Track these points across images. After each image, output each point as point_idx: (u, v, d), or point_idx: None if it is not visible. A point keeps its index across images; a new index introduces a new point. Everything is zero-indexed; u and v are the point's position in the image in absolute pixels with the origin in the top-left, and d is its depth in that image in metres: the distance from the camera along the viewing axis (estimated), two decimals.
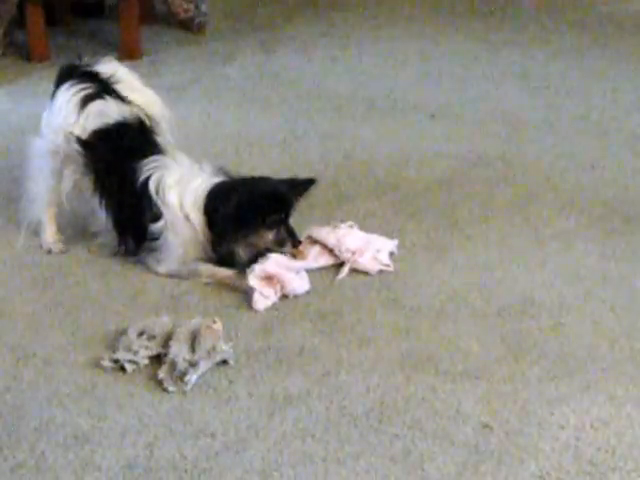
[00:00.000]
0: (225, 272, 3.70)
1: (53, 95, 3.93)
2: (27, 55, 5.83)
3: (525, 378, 3.17)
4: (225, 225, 3.65)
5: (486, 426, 2.97)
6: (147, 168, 3.73)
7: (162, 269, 3.74)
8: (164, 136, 3.91)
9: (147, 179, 3.71)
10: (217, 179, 3.71)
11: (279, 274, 3.57)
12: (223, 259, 3.72)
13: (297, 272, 3.64)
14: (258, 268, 3.58)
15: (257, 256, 3.68)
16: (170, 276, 3.73)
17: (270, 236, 3.70)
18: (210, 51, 6.01)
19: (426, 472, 2.81)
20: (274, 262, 3.61)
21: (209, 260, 3.74)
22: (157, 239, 3.72)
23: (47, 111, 3.94)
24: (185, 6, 6.25)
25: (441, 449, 2.89)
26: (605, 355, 3.29)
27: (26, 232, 3.96)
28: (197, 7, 6.25)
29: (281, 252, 3.70)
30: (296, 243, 3.71)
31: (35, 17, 5.73)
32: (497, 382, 3.15)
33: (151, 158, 3.75)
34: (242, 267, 3.67)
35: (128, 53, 5.76)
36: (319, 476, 2.80)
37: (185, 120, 4.93)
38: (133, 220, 3.77)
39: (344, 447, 2.90)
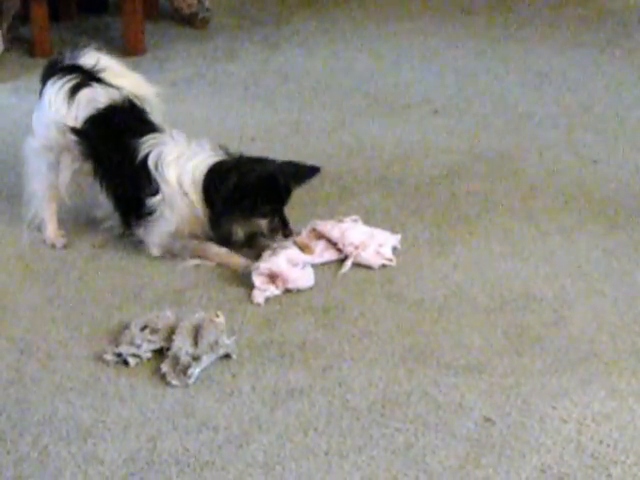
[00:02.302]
0: (216, 249, 3.73)
1: (40, 93, 3.95)
2: (31, 50, 5.84)
3: (527, 372, 3.18)
4: (221, 206, 3.67)
5: (488, 420, 2.98)
6: (145, 145, 3.75)
7: (155, 247, 3.78)
8: (156, 113, 3.93)
9: (146, 156, 3.73)
10: (217, 158, 3.72)
11: (283, 272, 3.57)
12: (221, 237, 3.76)
13: (302, 267, 3.65)
14: (263, 266, 3.58)
15: (254, 235, 3.72)
16: (162, 254, 3.77)
17: (263, 224, 3.72)
18: (213, 47, 6.01)
19: (428, 465, 2.81)
20: (281, 258, 3.61)
21: (206, 238, 3.77)
22: (153, 213, 3.75)
23: (36, 110, 3.97)
24: (188, 2, 6.26)
25: (443, 442, 2.89)
26: (607, 349, 3.29)
27: (30, 229, 3.97)
28: (200, 3, 6.26)
29: (276, 240, 3.72)
30: (288, 232, 3.71)
31: (39, 12, 5.74)
32: (499, 376, 3.16)
33: (149, 135, 3.77)
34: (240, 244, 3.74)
35: (132, 49, 5.77)
36: (321, 469, 2.81)
37: (188, 115, 4.95)
38: (134, 197, 3.79)
39: (346, 440, 2.90)
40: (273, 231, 3.73)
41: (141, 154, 3.73)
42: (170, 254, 3.78)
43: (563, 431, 2.93)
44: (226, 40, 6.11)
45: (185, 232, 3.76)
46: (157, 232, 3.76)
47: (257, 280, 3.57)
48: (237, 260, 3.72)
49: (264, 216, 3.71)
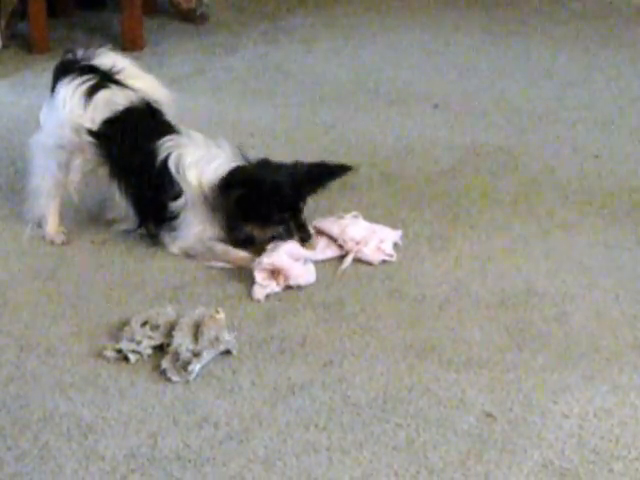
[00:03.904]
0: (239, 254, 3.71)
1: (53, 90, 3.91)
2: (29, 47, 5.82)
3: (528, 367, 3.17)
4: (237, 212, 3.68)
5: (489, 415, 2.97)
6: (164, 147, 3.74)
7: (176, 247, 3.76)
8: (171, 118, 3.91)
9: (166, 158, 3.72)
10: (235, 163, 3.71)
11: (286, 268, 3.56)
12: (240, 242, 3.75)
13: (304, 262, 3.64)
14: (265, 261, 3.57)
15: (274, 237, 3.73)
16: (184, 255, 3.75)
17: (279, 229, 3.72)
18: (212, 42, 6.00)
19: (429, 461, 2.81)
20: (283, 252, 3.60)
21: (225, 241, 3.76)
22: (176, 217, 3.74)
23: (47, 107, 3.93)
24: None
25: (444, 438, 2.89)
26: (609, 344, 3.29)
27: (30, 224, 3.96)
28: None
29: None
30: (306, 237, 3.72)
31: (37, 9, 5.72)
32: (500, 371, 3.15)
33: (167, 137, 3.75)
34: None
35: (130, 44, 5.75)
36: (322, 465, 2.80)
37: (188, 111, 4.93)
38: (154, 200, 3.78)
39: (347, 436, 2.90)
40: (289, 235, 3.71)
41: (161, 156, 3.72)
42: (191, 256, 3.76)
43: (565, 426, 2.93)
44: (225, 35, 6.10)
45: (207, 235, 3.74)
46: (181, 236, 3.75)
47: (258, 276, 3.56)
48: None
49: (279, 223, 3.71)
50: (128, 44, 5.75)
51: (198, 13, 6.26)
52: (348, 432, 2.91)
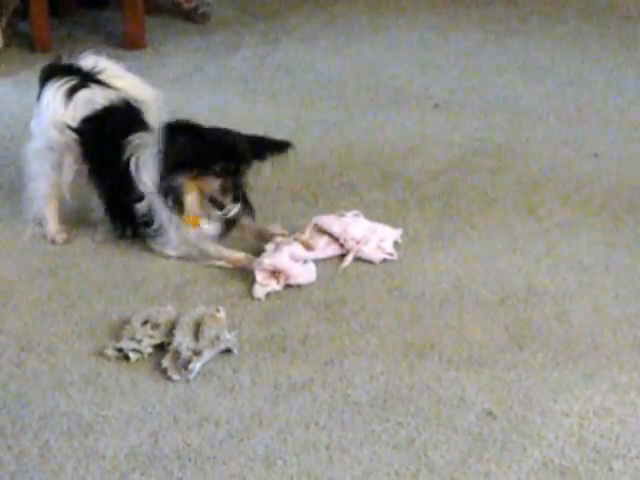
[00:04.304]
0: (235, 254, 3.70)
1: (38, 96, 3.93)
2: (31, 46, 5.82)
3: (529, 366, 3.17)
4: (172, 159, 3.56)
5: (490, 414, 2.97)
6: (129, 147, 3.70)
7: (171, 252, 3.74)
8: (153, 116, 3.86)
9: (129, 158, 3.69)
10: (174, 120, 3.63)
11: (286, 268, 3.56)
12: (172, 204, 3.64)
13: (304, 262, 3.64)
14: (266, 262, 3.57)
15: (211, 203, 3.65)
16: (181, 258, 3.73)
17: (216, 184, 3.61)
18: (214, 41, 6.00)
19: (430, 459, 2.81)
20: (284, 253, 3.60)
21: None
22: (149, 223, 3.72)
23: (35, 115, 3.95)
24: None
25: (445, 437, 2.89)
26: (609, 343, 3.29)
27: (31, 224, 3.96)
28: None
29: (224, 204, 3.63)
30: (237, 197, 3.61)
31: (39, 7, 5.73)
32: (501, 370, 3.16)
33: (134, 136, 3.71)
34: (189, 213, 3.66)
35: (132, 43, 5.76)
36: (323, 464, 2.80)
37: (189, 110, 4.94)
38: (120, 202, 3.76)
39: (348, 435, 2.90)
40: (224, 192, 3.60)
41: (125, 156, 3.69)
42: (188, 258, 3.74)
43: (565, 425, 2.93)
44: (226, 34, 6.10)
45: (191, 235, 3.71)
46: (167, 241, 3.74)
47: (259, 275, 3.56)
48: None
49: (217, 175, 3.60)
50: (130, 43, 5.76)
51: (199, 12, 6.27)
52: (349, 431, 2.92)
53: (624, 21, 6.27)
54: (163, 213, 3.70)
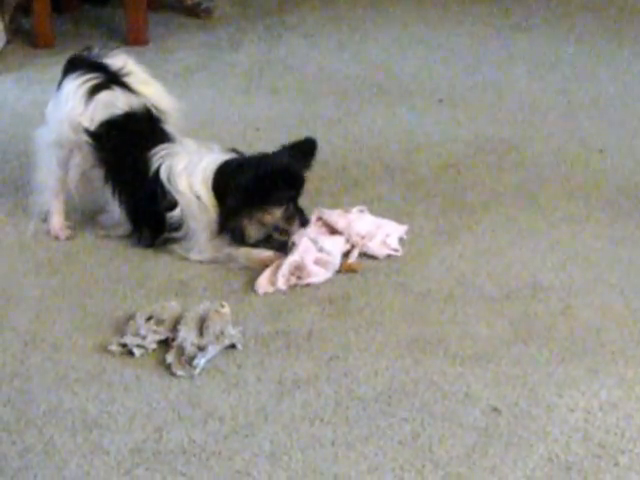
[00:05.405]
0: (263, 253, 3.68)
1: (59, 84, 3.90)
2: (33, 42, 5.81)
3: (534, 361, 3.17)
4: (233, 200, 3.62)
5: (495, 409, 2.97)
6: (157, 157, 3.71)
7: (196, 256, 3.72)
8: (173, 127, 3.87)
9: (158, 168, 3.69)
10: (226, 156, 3.69)
11: (309, 265, 3.54)
12: (233, 237, 3.69)
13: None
14: (291, 259, 3.54)
15: (267, 237, 3.68)
16: (206, 262, 3.70)
17: (279, 213, 3.66)
18: (217, 37, 5.99)
19: (435, 455, 2.80)
20: (307, 249, 3.59)
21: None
22: (178, 229, 3.72)
23: (53, 100, 3.92)
24: None
25: (450, 432, 2.88)
26: (614, 338, 3.28)
27: (35, 219, 3.96)
28: None
29: (290, 232, 3.66)
30: (305, 221, 3.68)
31: (41, 4, 5.71)
32: (506, 365, 3.15)
33: (160, 147, 3.72)
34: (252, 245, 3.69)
35: (135, 39, 5.75)
36: (328, 459, 2.80)
37: (192, 106, 4.93)
38: (148, 210, 3.75)
39: (353, 430, 2.89)
40: (289, 220, 3.67)
41: (154, 167, 3.70)
42: (212, 262, 3.73)
43: (570, 420, 2.92)
44: (229, 30, 6.09)
45: (218, 239, 3.70)
46: (192, 246, 3.72)
47: (279, 282, 3.52)
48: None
49: (279, 204, 3.65)
50: (132, 39, 5.75)
51: (202, 8, 6.26)
52: (353, 426, 2.91)
53: (631, 16, 6.25)
54: (195, 221, 3.69)
